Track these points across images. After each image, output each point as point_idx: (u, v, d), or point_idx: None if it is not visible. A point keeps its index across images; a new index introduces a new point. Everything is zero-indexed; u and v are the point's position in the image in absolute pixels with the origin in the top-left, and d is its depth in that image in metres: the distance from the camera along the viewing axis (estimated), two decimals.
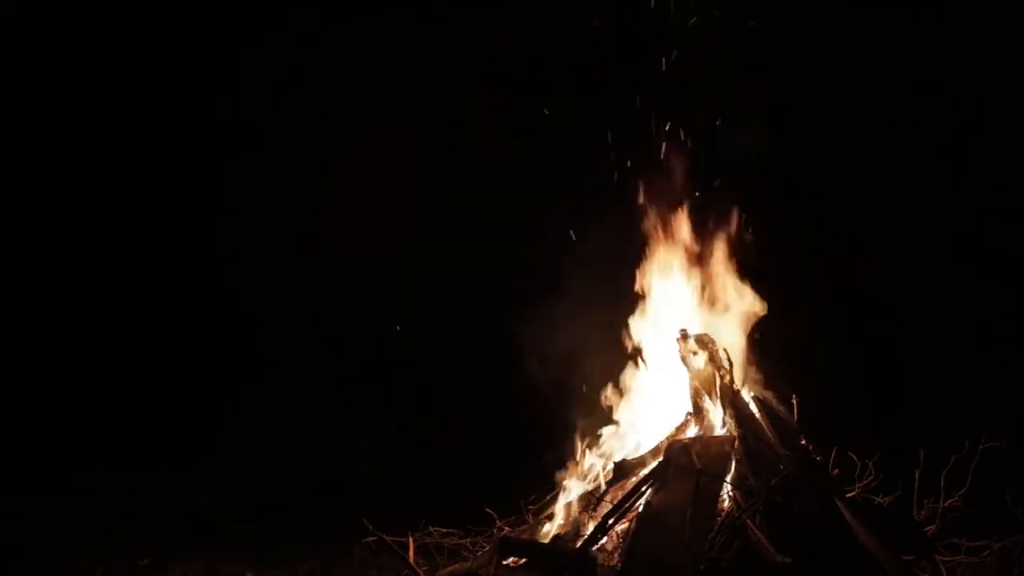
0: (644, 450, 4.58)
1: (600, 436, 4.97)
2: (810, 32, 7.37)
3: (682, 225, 5.11)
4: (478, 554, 4.59)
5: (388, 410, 8.16)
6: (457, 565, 4.45)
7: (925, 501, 4.51)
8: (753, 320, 4.90)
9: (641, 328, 5.10)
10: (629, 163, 5.52)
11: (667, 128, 5.34)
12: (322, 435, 7.97)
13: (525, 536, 4.59)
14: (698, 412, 4.60)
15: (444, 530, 4.87)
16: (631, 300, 5.16)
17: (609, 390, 5.10)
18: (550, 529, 4.60)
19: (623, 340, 5.13)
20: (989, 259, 7.82)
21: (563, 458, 4.97)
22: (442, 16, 7.94)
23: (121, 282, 8.57)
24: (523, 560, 4.10)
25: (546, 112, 6.61)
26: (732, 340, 4.84)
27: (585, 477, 4.79)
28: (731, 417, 4.44)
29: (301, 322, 8.34)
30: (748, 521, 3.82)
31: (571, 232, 6.11)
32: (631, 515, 4.12)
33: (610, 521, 4.10)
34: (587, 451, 4.93)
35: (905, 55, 7.64)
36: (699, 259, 5.07)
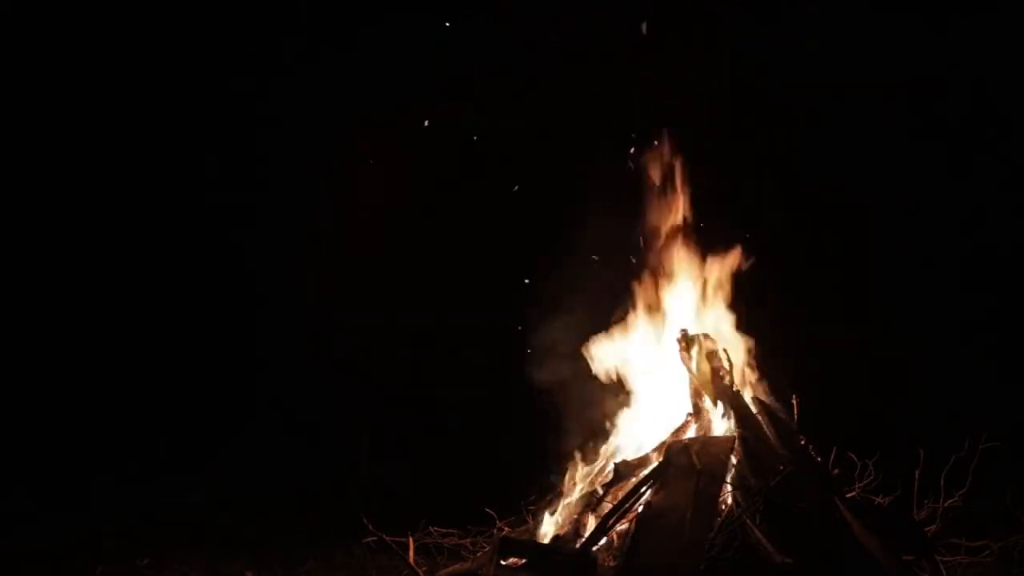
0: (644, 451, 4.58)
1: (601, 437, 4.97)
2: (809, 31, 7.39)
3: (681, 226, 5.11)
4: (478, 554, 4.59)
5: (388, 410, 8.16)
6: (457, 565, 4.45)
7: (925, 501, 4.51)
8: (752, 320, 4.90)
9: (641, 329, 5.10)
10: (631, 162, 5.51)
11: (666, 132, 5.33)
12: (322, 435, 7.98)
13: (525, 536, 4.59)
14: (698, 412, 4.60)
15: (444, 530, 4.87)
16: (631, 302, 5.15)
17: (610, 390, 5.09)
18: (550, 529, 4.60)
19: (623, 342, 5.12)
20: (990, 259, 7.83)
21: (563, 459, 4.97)
22: (444, 16, 7.95)
23: (120, 283, 8.57)
24: (523, 560, 4.10)
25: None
26: (732, 340, 4.84)
27: (585, 478, 4.79)
28: (731, 417, 4.44)
29: (301, 322, 8.33)
30: (748, 521, 3.82)
31: (574, 233, 6.11)
32: (631, 515, 4.12)
33: (610, 522, 4.10)
34: (587, 452, 4.93)
35: (905, 54, 7.65)
36: (697, 260, 5.07)
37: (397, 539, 4.47)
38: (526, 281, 6.30)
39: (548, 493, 4.86)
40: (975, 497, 4.50)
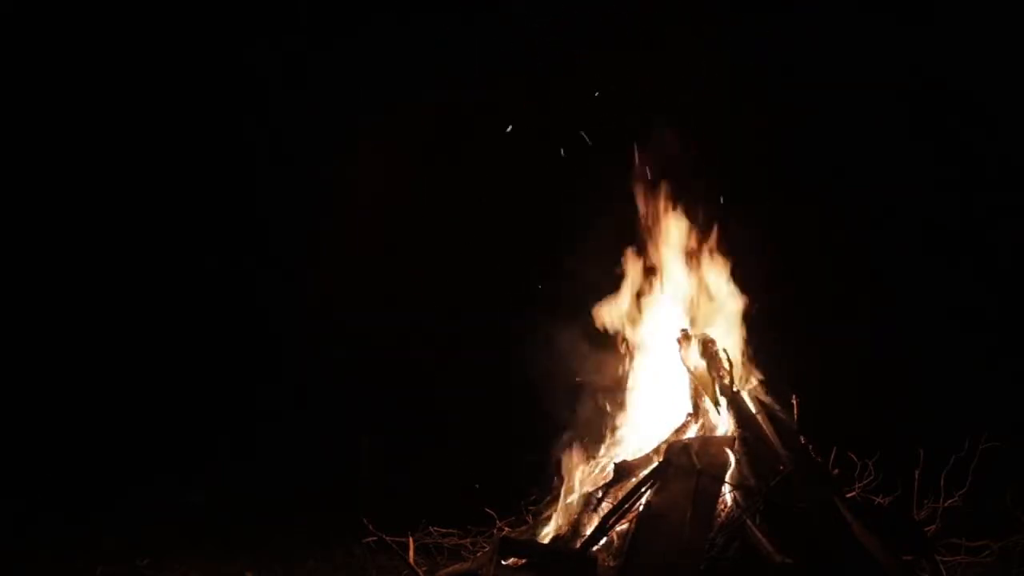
0: (644, 451, 4.58)
1: (601, 437, 4.97)
2: (807, 30, 7.40)
3: (677, 226, 5.10)
4: (478, 554, 4.60)
5: (388, 410, 8.15)
6: (457, 565, 4.46)
7: (925, 501, 4.51)
8: (752, 320, 4.90)
9: (640, 330, 5.10)
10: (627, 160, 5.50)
11: (663, 132, 5.32)
12: (322, 435, 7.97)
13: (525, 536, 4.59)
14: (698, 412, 4.60)
15: (444, 530, 4.87)
16: (630, 302, 5.15)
17: (610, 390, 5.09)
18: (550, 529, 4.60)
19: (621, 340, 5.12)
20: (990, 259, 7.83)
21: (563, 459, 4.96)
22: (443, 16, 7.95)
23: (121, 283, 8.57)
24: (523, 560, 4.10)
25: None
26: (731, 340, 4.83)
27: (585, 478, 4.79)
28: (731, 417, 4.44)
29: (302, 322, 8.33)
30: (748, 521, 3.82)
31: (573, 233, 6.12)
32: (631, 515, 4.12)
33: (610, 521, 4.10)
34: (587, 452, 4.93)
35: (903, 53, 7.65)
36: (696, 260, 5.06)
37: (397, 539, 4.47)
38: (539, 286, 6.30)
39: (548, 493, 4.86)
40: (975, 497, 4.50)
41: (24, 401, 7.99)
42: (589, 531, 4.17)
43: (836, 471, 4.62)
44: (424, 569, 4.40)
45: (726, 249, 5.04)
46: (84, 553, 5.53)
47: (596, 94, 5.93)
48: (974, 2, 7.67)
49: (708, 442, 4.31)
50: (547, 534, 4.56)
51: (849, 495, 4.44)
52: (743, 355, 4.86)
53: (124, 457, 7.64)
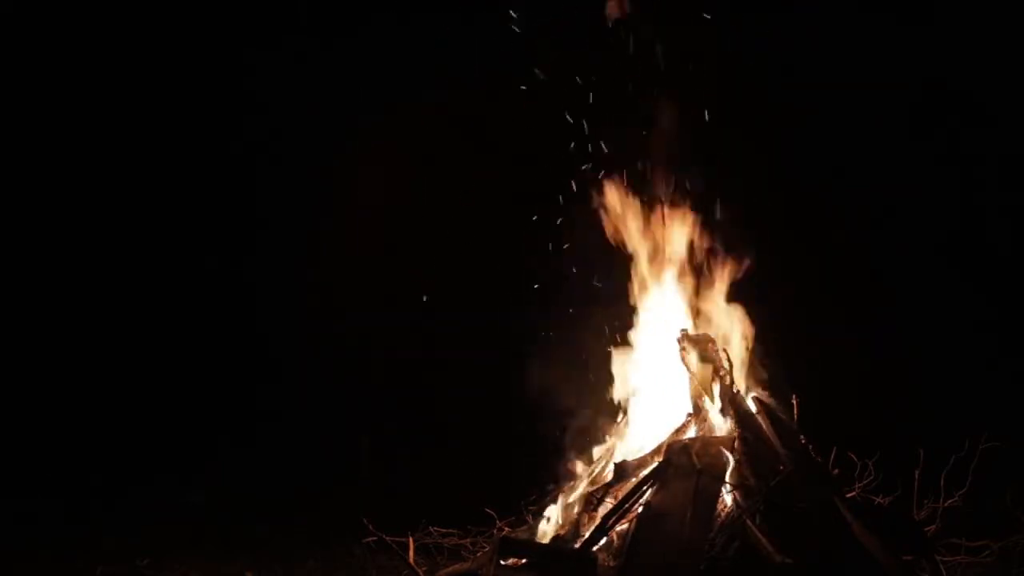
0: (644, 451, 4.58)
1: (600, 437, 4.97)
2: (807, 30, 7.40)
3: (678, 226, 5.10)
4: (478, 554, 4.60)
5: (388, 410, 8.16)
6: (457, 565, 4.46)
7: (925, 501, 4.51)
8: (752, 320, 4.90)
9: (641, 329, 5.09)
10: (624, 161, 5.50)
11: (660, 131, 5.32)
12: (322, 435, 7.98)
13: (525, 536, 4.59)
14: (698, 412, 4.59)
15: (444, 530, 4.87)
16: (630, 302, 5.15)
17: (610, 391, 5.09)
18: (550, 529, 4.60)
19: (623, 343, 5.12)
20: (990, 258, 7.83)
21: (563, 459, 4.97)
22: (443, 16, 7.95)
23: (122, 283, 8.57)
24: (523, 560, 4.10)
25: None
26: (732, 340, 4.83)
27: (585, 478, 4.79)
28: (731, 417, 4.44)
29: (302, 322, 8.34)
30: (748, 521, 3.82)
31: (570, 233, 6.11)
32: (631, 515, 4.12)
33: (610, 521, 4.10)
34: (587, 452, 4.93)
35: (903, 53, 7.66)
36: (697, 260, 5.06)
37: (397, 539, 4.47)
38: (535, 287, 6.30)
39: (548, 493, 4.86)
40: (975, 497, 4.50)
41: (24, 401, 7.99)
42: (589, 531, 4.17)
43: (836, 471, 4.62)
44: (424, 569, 4.40)
45: (726, 250, 5.04)
46: (84, 553, 5.53)
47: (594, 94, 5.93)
48: (974, 2, 7.67)
49: (708, 442, 4.31)
50: (547, 534, 4.56)
51: (849, 495, 4.44)
52: (743, 355, 4.85)
53: (124, 457, 7.64)
